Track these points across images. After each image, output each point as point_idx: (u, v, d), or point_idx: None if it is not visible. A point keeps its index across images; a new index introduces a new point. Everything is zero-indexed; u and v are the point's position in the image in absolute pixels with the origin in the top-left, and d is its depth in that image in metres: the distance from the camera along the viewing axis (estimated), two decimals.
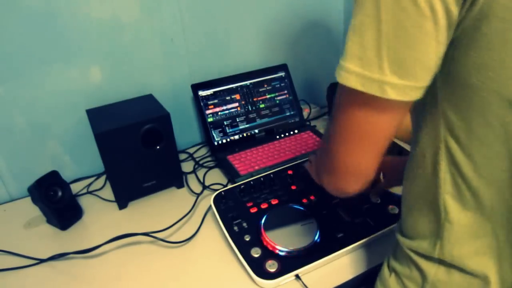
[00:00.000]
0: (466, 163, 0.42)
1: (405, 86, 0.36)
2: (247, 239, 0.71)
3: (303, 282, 0.65)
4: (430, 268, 0.49)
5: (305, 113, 1.20)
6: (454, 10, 0.34)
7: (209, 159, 1.06)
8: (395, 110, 0.40)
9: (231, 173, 0.95)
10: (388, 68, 0.36)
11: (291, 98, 1.13)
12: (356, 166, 0.45)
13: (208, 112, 1.04)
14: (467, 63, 0.37)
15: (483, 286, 0.46)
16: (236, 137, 1.06)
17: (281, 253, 0.68)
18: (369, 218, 0.75)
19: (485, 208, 0.43)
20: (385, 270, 0.57)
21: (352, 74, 0.37)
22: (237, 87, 1.07)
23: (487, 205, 0.43)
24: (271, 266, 0.66)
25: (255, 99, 1.09)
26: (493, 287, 0.45)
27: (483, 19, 0.34)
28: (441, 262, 0.48)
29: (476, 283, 0.46)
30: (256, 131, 1.09)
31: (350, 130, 0.42)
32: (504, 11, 0.33)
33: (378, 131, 0.41)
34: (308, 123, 1.20)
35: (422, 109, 0.45)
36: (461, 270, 0.46)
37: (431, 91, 0.41)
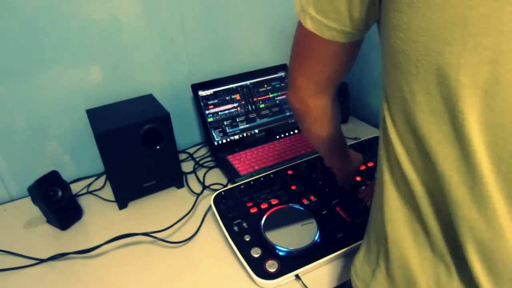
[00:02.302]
0: (393, 131, 0.42)
1: (320, 22, 0.43)
2: (247, 239, 0.71)
3: (303, 282, 0.65)
4: (380, 245, 0.48)
5: None
6: None
7: (209, 159, 1.06)
8: (318, 43, 0.46)
9: (231, 173, 0.95)
10: (312, 1, 0.43)
11: None
12: (294, 78, 0.53)
13: (208, 112, 1.04)
14: (388, 24, 0.39)
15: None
16: (236, 137, 1.06)
17: (281, 253, 0.68)
18: None
19: (408, 183, 0.42)
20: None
21: (298, 2, 0.46)
22: (237, 87, 1.07)
23: (409, 180, 0.42)
24: (271, 266, 0.66)
25: (255, 99, 1.09)
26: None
27: None
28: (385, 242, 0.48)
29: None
30: (256, 131, 1.09)
31: (295, 46, 0.51)
32: None
33: (311, 55, 0.48)
34: None
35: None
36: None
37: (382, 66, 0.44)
